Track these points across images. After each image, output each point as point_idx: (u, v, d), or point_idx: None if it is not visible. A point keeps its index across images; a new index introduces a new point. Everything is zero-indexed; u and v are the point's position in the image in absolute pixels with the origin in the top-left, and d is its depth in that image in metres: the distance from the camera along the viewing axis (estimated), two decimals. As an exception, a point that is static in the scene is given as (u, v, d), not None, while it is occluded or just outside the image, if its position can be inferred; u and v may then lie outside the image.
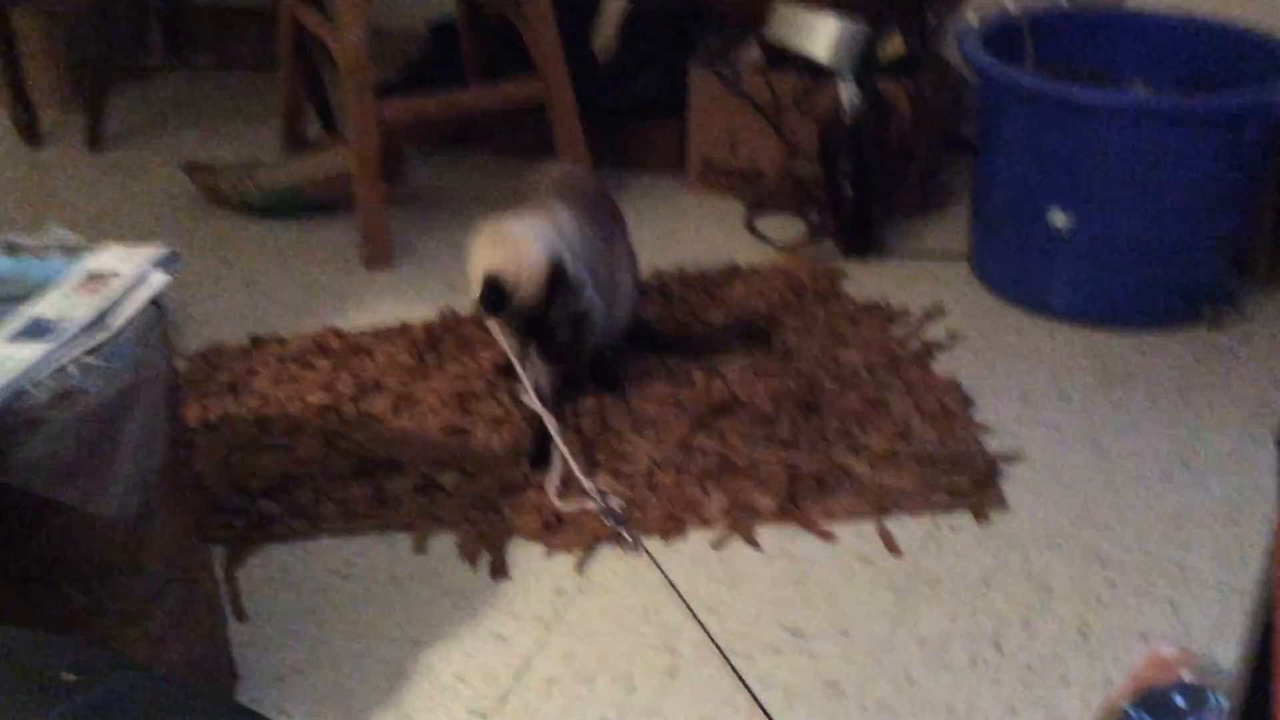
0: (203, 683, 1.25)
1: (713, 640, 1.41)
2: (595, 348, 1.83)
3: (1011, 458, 1.74)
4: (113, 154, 2.79)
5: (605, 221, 1.86)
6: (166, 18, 3.20)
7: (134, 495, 1.11)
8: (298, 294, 2.20)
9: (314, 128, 2.74)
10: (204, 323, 2.09)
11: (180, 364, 1.95)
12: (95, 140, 2.80)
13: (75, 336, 1.07)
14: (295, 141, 2.65)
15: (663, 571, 1.52)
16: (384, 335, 2.03)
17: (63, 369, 1.03)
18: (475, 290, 1.69)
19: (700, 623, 1.44)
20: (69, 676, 0.56)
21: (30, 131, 2.82)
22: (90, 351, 1.06)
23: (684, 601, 1.47)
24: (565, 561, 1.56)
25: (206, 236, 2.41)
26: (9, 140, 2.83)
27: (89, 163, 2.76)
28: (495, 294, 1.66)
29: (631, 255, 1.92)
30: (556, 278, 1.69)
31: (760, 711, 1.33)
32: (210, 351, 1.99)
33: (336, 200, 2.44)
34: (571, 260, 1.72)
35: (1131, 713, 1.25)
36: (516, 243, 1.69)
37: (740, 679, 1.36)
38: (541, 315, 1.70)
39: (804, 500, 1.65)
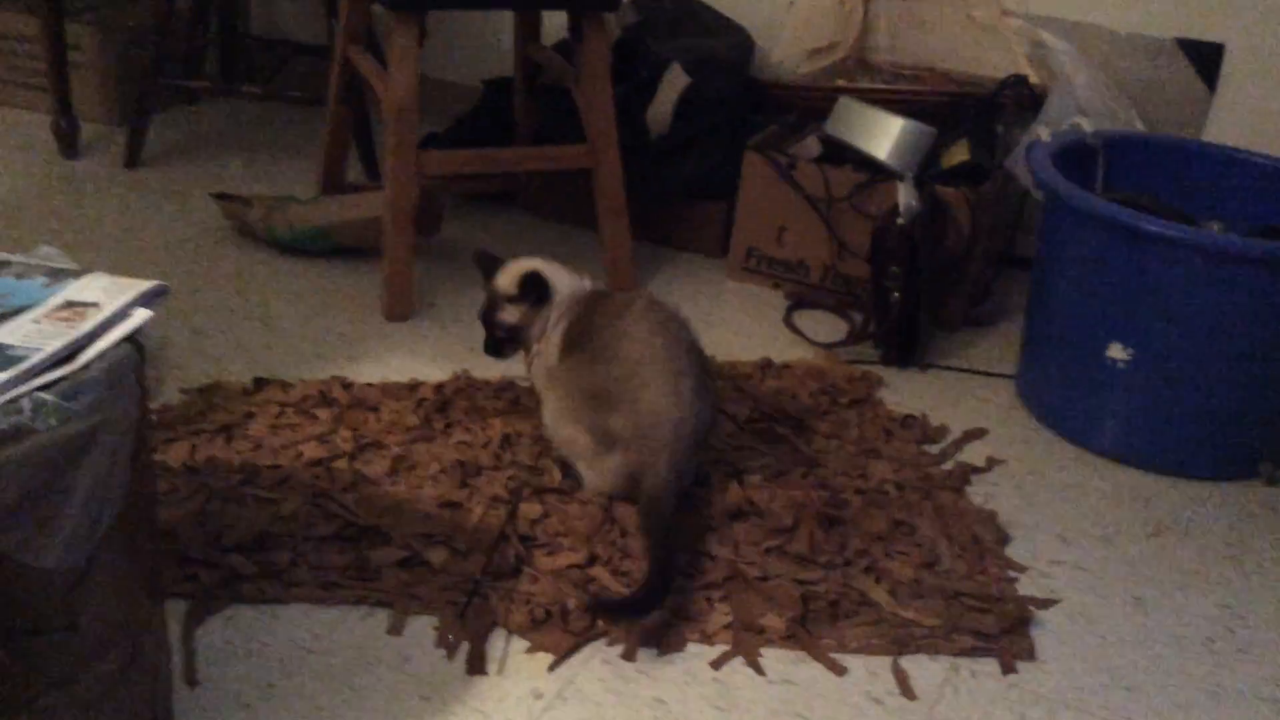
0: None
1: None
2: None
3: (1044, 603, 1.61)
4: (148, 173, 2.74)
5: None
6: (223, 45, 3.18)
7: (80, 548, 1.01)
8: (311, 338, 2.11)
9: (355, 170, 2.68)
10: (210, 357, 2.01)
11: (176, 399, 1.86)
12: (133, 158, 2.75)
13: (36, 369, 0.97)
14: (333, 182, 2.58)
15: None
16: (392, 391, 1.94)
17: (14, 403, 0.93)
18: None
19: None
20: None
21: (69, 143, 2.77)
22: (47, 386, 0.96)
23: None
24: (548, 662, 1.44)
25: (227, 268, 2.34)
26: (47, 150, 2.79)
27: (123, 180, 2.71)
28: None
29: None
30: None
31: None
32: (210, 388, 1.90)
33: (366, 246, 2.36)
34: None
35: None
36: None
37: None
38: None
39: (815, 625, 1.52)
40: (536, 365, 1.78)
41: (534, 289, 1.76)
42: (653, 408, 1.62)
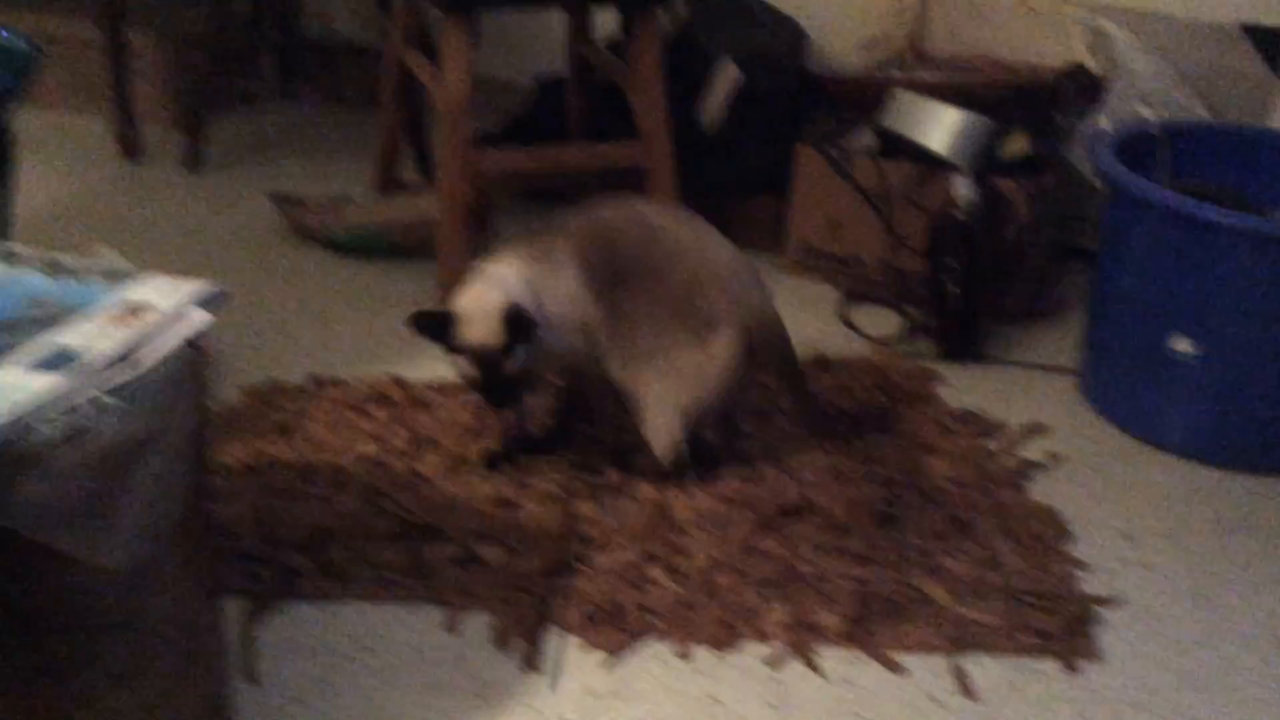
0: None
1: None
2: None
3: (1108, 601, 1.58)
4: (209, 177, 2.78)
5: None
6: (280, 49, 3.21)
7: (140, 547, 1.02)
8: (367, 337, 2.13)
9: (409, 171, 2.70)
10: (269, 357, 2.03)
11: (236, 398, 1.88)
12: (193, 161, 2.79)
13: (97, 372, 0.98)
14: (388, 183, 2.60)
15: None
16: (447, 390, 1.94)
17: (74, 405, 0.95)
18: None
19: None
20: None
21: (130, 146, 2.82)
22: (110, 390, 0.97)
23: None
24: (603, 660, 1.44)
25: (285, 269, 2.37)
26: (109, 153, 2.84)
27: (183, 183, 2.75)
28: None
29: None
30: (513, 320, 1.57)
31: None
32: (268, 388, 1.92)
33: (421, 246, 2.37)
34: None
35: None
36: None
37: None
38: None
39: (873, 623, 1.50)
40: (547, 347, 1.63)
41: (520, 324, 1.57)
42: (733, 264, 1.70)
